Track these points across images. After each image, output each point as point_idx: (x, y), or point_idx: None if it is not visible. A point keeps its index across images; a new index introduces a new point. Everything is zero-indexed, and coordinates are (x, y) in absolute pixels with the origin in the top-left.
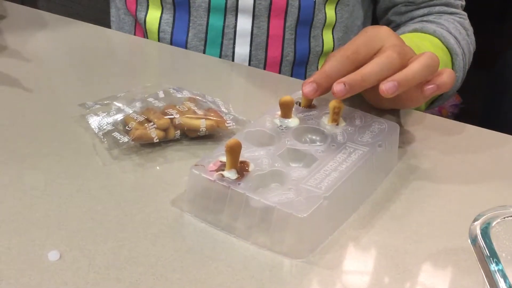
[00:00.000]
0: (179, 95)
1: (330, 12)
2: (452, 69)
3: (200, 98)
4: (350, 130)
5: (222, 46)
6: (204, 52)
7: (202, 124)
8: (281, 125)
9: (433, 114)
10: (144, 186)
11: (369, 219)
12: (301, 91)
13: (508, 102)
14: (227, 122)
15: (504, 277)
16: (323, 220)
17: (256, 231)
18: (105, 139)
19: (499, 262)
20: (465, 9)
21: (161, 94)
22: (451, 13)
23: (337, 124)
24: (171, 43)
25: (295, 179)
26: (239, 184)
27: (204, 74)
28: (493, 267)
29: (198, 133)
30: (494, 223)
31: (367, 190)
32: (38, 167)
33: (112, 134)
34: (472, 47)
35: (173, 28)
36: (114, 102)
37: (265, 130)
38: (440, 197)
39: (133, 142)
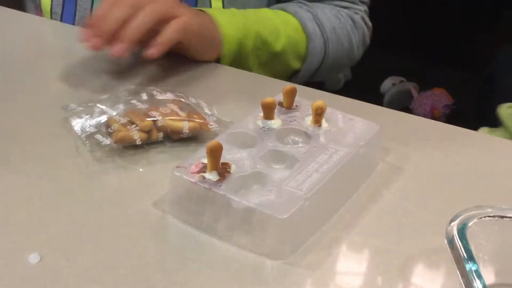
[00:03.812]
0: (162, 97)
1: None
2: (306, 51)
3: (183, 100)
4: (332, 131)
5: None
6: None
7: (185, 126)
8: (263, 127)
9: (425, 114)
10: (126, 188)
11: (350, 219)
12: (282, 93)
13: (500, 102)
14: (210, 124)
15: (480, 277)
16: (304, 221)
17: (237, 233)
18: (87, 141)
19: (475, 262)
20: (458, 10)
21: (144, 96)
22: (343, 7)
23: (320, 125)
24: None
25: (277, 181)
26: (220, 185)
27: (187, 75)
28: (469, 267)
29: (181, 135)
30: (471, 223)
31: (349, 191)
32: (20, 170)
33: (95, 136)
34: (357, 38)
35: (62, 10)
36: (97, 104)
37: (247, 132)
38: (422, 197)
39: (115, 144)
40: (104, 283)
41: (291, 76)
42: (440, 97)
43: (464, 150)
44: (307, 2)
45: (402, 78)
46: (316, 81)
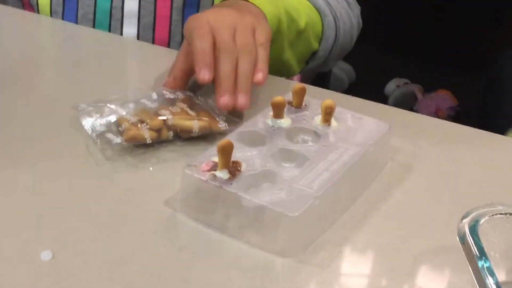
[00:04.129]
0: (172, 96)
1: None
2: (323, 28)
3: (193, 99)
4: (342, 130)
5: (110, 27)
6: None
7: (195, 125)
8: (273, 126)
9: (429, 115)
10: (137, 186)
11: (360, 218)
12: (292, 92)
13: (505, 103)
14: (220, 123)
15: (492, 274)
16: (314, 219)
17: (248, 230)
18: (98, 140)
19: (487, 259)
20: (461, 12)
21: (154, 96)
22: None
23: (329, 125)
24: None
25: (287, 179)
26: (231, 184)
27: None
28: (481, 264)
29: (191, 134)
30: (482, 220)
31: (358, 190)
32: (32, 168)
33: (105, 135)
34: (354, 19)
35: (63, 8)
36: (108, 104)
37: (257, 131)
38: (431, 196)
39: (126, 143)
40: (116, 281)
41: (308, 60)
42: (444, 98)
43: (473, 149)
44: None
45: (406, 80)
46: (323, 75)
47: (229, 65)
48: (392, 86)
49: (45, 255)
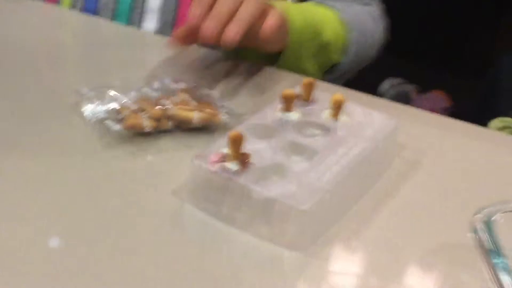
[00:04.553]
0: (174, 86)
1: None
2: (346, 43)
3: (195, 90)
4: (351, 125)
5: (130, 20)
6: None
7: (195, 116)
8: (282, 118)
9: None
10: (140, 175)
11: (368, 213)
12: (301, 85)
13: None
14: (221, 115)
15: (507, 270)
16: (324, 213)
17: (257, 223)
18: (97, 127)
19: (502, 255)
20: (458, 14)
21: (157, 85)
22: (364, 4)
23: (338, 119)
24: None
25: (297, 172)
26: (240, 175)
27: (202, 66)
28: (496, 260)
29: (191, 125)
30: (496, 216)
31: (366, 185)
32: (34, 155)
33: (105, 122)
34: (378, 33)
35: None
36: (109, 90)
37: (266, 123)
38: (438, 192)
39: (125, 131)
40: (124, 270)
41: (327, 71)
42: (438, 99)
43: (478, 146)
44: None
45: (401, 80)
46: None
47: (227, 5)
48: (386, 86)
49: (53, 242)
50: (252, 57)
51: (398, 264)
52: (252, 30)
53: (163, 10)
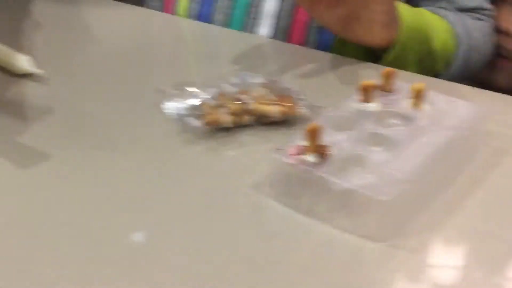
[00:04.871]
0: (253, 81)
1: None
2: (453, 55)
3: (274, 84)
4: (433, 114)
5: (245, 25)
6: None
7: (275, 110)
8: (362, 110)
9: None
10: (221, 170)
11: (454, 203)
12: (381, 75)
13: None
14: (300, 108)
15: None
16: (406, 204)
17: (338, 215)
18: (179, 124)
19: None
20: None
21: (235, 80)
22: (478, 18)
23: (420, 108)
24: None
25: (377, 163)
26: (320, 168)
27: (281, 61)
28: None
29: (271, 119)
30: None
31: (451, 174)
32: (118, 152)
33: (187, 119)
34: (490, 49)
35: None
36: (190, 88)
37: (346, 114)
38: None
39: (205, 127)
40: (211, 264)
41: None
42: None
43: None
44: (448, 7)
45: None
46: None
47: None
48: None
49: (138, 237)
50: (352, 54)
51: (483, 256)
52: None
53: (279, 15)
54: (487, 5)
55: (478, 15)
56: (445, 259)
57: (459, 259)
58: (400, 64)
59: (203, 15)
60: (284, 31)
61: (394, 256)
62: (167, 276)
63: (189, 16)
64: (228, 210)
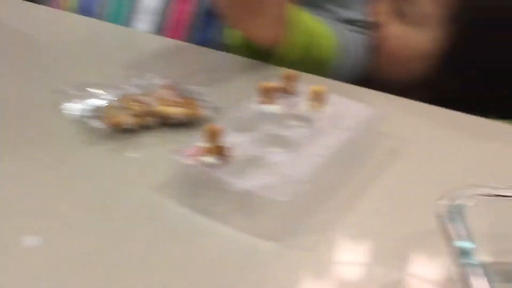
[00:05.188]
0: (157, 83)
1: None
2: (336, 63)
3: (178, 86)
4: (331, 116)
5: (123, 20)
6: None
7: (178, 112)
8: (263, 111)
9: None
10: (122, 172)
11: (348, 202)
12: (282, 78)
13: None
14: (203, 109)
15: (471, 254)
16: (302, 204)
17: (236, 215)
18: (81, 125)
19: (467, 240)
20: None
21: (139, 82)
22: (358, 31)
23: (319, 110)
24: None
25: (275, 164)
26: (219, 169)
27: (184, 62)
28: (460, 245)
29: (174, 121)
30: (462, 201)
31: (347, 174)
32: (15, 153)
33: (87, 120)
34: (362, 61)
35: None
36: (92, 88)
37: (247, 116)
38: (418, 180)
39: (107, 128)
40: (104, 266)
41: None
42: None
43: (460, 134)
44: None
45: None
46: None
47: None
48: None
49: (32, 241)
50: (244, 52)
51: (376, 252)
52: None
53: (159, 12)
54: (366, 18)
55: (355, 27)
56: (340, 257)
57: (353, 257)
58: (286, 64)
59: (83, 8)
60: (163, 28)
61: (290, 255)
62: (63, 280)
63: (73, 9)
64: (128, 211)
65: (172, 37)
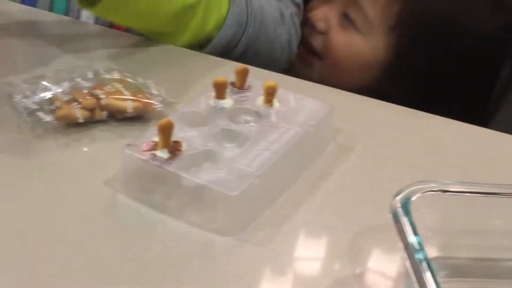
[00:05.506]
0: (108, 76)
1: None
2: (225, 18)
3: (129, 80)
4: (284, 111)
5: (68, 9)
6: (51, 6)
7: (129, 106)
8: (215, 106)
9: None
10: (73, 166)
11: (300, 197)
12: (235, 73)
13: None
14: (155, 104)
15: (422, 250)
16: (254, 199)
17: (188, 210)
18: (29, 118)
19: (418, 235)
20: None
21: (90, 75)
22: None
23: (271, 105)
24: None
25: (228, 159)
26: (171, 163)
27: (137, 55)
28: (411, 240)
29: (125, 115)
30: (414, 197)
31: (299, 170)
32: None
33: (37, 113)
34: (281, 31)
35: None
36: (42, 81)
37: (199, 111)
38: (370, 176)
39: (57, 122)
40: (55, 261)
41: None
42: None
43: (411, 130)
44: None
45: None
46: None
47: None
48: None
49: None
50: None
51: (328, 247)
52: None
53: None
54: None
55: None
56: (294, 252)
57: (307, 251)
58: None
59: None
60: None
61: (242, 250)
62: (12, 275)
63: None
64: (79, 206)
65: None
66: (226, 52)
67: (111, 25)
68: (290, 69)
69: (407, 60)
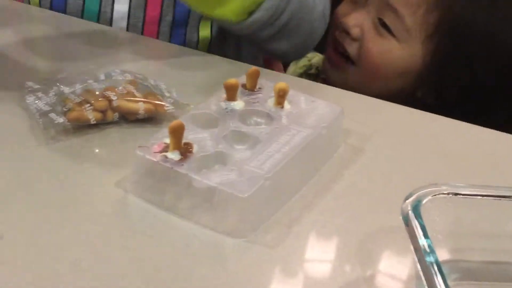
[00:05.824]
0: (120, 78)
1: None
2: None
3: (141, 82)
4: (294, 113)
5: (101, 4)
6: (83, 9)
7: (140, 107)
8: (226, 108)
9: None
10: (84, 167)
11: (311, 199)
12: (246, 74)
13: None
14: (166, 105)
15: (433, 253)
16: (264, 200)
17: (199, 211)
18: (41, 120)
19: (428, 238)
20: None
21: (102, 77)
22: None
23: (282, 107)
24: None
25: (238, 160)
26: (182, 165)
27: (149, 57)
28: (422, 243)
29: (137, 116)
30: (425, 200)
31: (310, 172)
32: None
33: (49, 114)
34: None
35: None
36: (55, 83)
37: (210, 113)
38: (381, 177)
39: (69, 123)
40: (66, 262)
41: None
42: None
43: (422, 132)
44: None
45: None
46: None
47: None
48: None
49: None
50: None
51: (338, 248)
52: None
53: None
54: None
55: None
56: (304, 254)
57: (317, 253)
58: None
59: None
60: (140, 6)
61: (252, 252)
62: (25, 276)
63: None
64: (91, 207)
65: (150, 14)
66: (272, 21)
67: (127, 28)
68: (320, 74)
69: (445, 67)
